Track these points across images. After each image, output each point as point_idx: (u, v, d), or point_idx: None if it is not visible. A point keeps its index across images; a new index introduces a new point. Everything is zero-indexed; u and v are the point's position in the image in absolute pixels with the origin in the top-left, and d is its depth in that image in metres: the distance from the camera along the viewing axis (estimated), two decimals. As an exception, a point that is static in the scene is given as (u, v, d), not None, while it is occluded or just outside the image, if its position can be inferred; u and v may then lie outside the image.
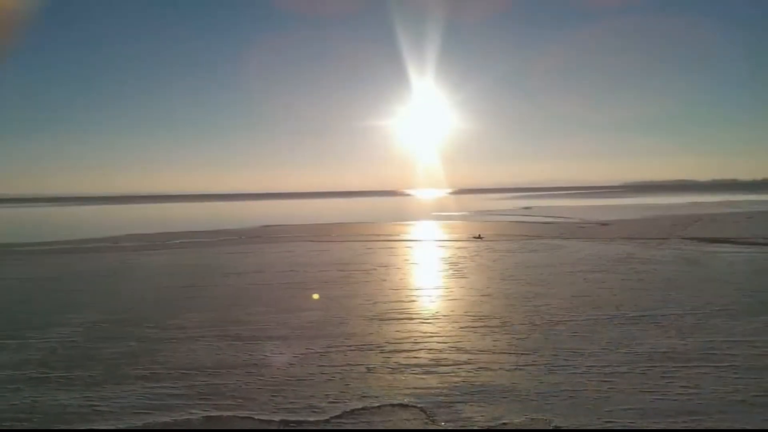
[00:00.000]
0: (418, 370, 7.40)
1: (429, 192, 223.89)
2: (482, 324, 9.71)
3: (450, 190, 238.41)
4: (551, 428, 5.67)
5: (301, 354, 8.20)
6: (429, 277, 15.41)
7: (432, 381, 6.96)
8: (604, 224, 34.39)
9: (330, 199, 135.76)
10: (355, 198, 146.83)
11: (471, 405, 6.18)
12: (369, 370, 7.44)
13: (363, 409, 6.16)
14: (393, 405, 6.26)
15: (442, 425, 5.72)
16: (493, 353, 8.02)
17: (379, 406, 6.22)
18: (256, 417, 6.01)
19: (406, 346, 8.47)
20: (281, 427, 5.85)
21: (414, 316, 10.50)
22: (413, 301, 11.94)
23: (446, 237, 28.43)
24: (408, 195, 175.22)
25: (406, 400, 6.36)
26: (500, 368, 7.36)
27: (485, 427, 5.65)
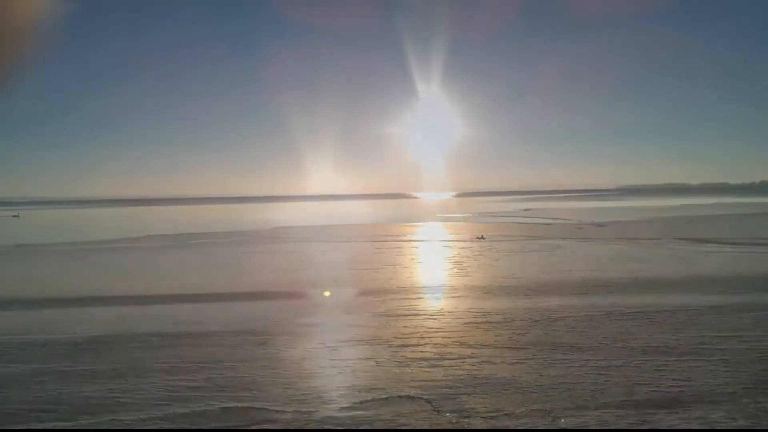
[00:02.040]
0: (424, 363, 7.76)
1: (434, 195, 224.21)
2: (485, 320, 10.07)
3: (454, 194, 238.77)
4: (554, 425, 5.90)
5: (313, 348, 8.57)
6: (434, 275, 15.75)
7: (437, 374, 7.32)
8: (600, 225, 34.70)
9: (341, 202, 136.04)
10: (365, 200, 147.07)
11: (474, 396, 6.53)
12: (378, 363, 7.81)
13: (372, 400, 6.52)
14: (401, 396, 6.62)
15: (447, 416, 6.07)
16: (495, 348, 8.37)
17: (387, 398, 6.57)
18: (270, 408, 6.36)
19: (413, 341, 8.83)
20: (290, 425, 6.13)
21: (420, 312, 10.86)
22: (420, 298, 12.30)
23: (451, 237, 28.79)
24: (415, 198, 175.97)
25: (413, 392, 6.72)
26: (502, 362, 7.72)
27: (488, 418, 6.00)
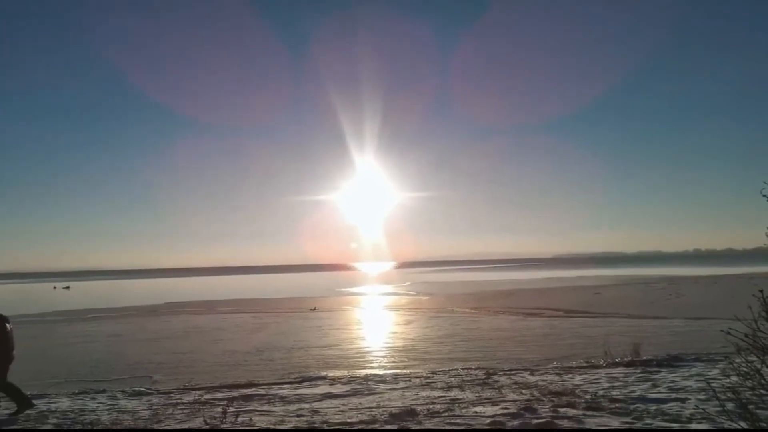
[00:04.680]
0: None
1: (372, 266, 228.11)
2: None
3: (394, 264, 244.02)
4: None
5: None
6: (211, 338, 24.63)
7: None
8: (428, 295, 44.33)
9: (261, 275, 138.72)
10: (289, 273, 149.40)
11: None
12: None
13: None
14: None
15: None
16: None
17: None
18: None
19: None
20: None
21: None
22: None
23: (284, 308, 37.08)
24: (350, 269, 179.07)
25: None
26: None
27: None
